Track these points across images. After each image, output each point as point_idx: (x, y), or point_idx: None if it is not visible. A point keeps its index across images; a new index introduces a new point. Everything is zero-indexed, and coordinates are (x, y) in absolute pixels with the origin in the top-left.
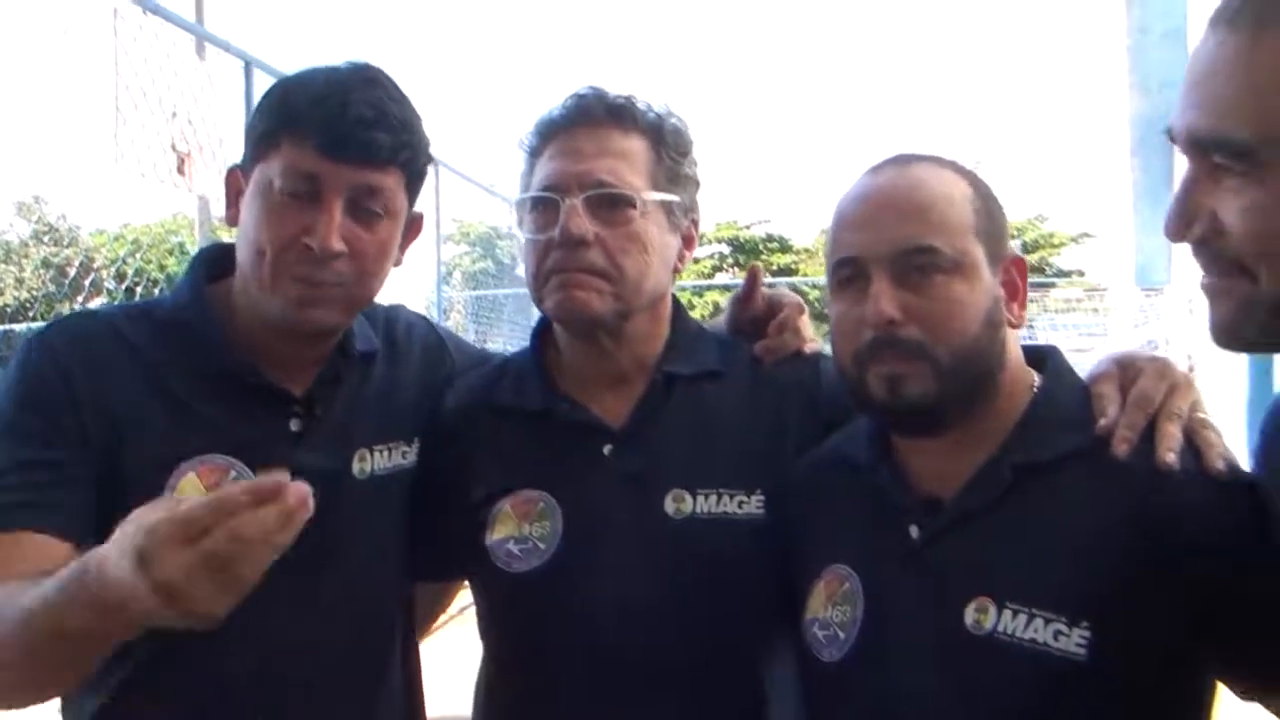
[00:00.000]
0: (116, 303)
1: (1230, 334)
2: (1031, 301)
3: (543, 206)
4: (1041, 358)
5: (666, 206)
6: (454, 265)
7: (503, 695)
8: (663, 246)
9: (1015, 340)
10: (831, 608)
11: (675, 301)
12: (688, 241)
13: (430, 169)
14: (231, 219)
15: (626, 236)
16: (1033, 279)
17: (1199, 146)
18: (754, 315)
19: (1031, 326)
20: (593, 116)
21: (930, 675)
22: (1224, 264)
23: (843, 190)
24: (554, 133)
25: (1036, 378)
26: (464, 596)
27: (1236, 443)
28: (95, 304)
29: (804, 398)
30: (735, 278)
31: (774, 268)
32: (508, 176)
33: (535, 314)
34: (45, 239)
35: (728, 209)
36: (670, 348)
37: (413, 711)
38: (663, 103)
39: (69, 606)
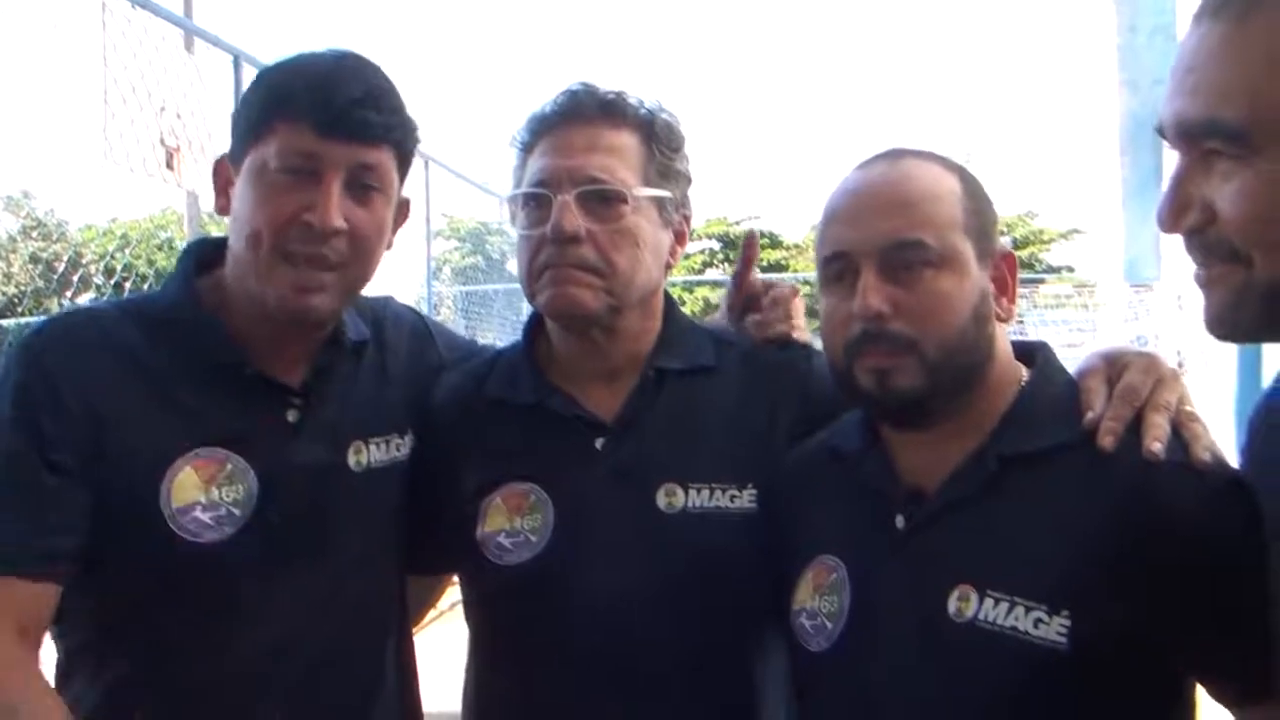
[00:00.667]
0: (106, 298)
1: (1226, 324)
2: (1021, 297)
3: (534, 202)
4: (1031, 353)
5: (658, 202)
6: (444, 260)
7: (492, 688)
8: (655, 242)
9: (1005, 335)
10: (819, 598)
11: (667, 296)
12: (679, 237)
13: (420, 165)
14: (221, 209)
15: (618, 232)
16: (1022, 275)
17: (1189, 135)
18: (752, 293)
19: (1021, 322)
20: (584, 112)
21: (914, 663)
22: (1217, 252)
23: (833, 186)
24: (545, 129)
25: (1025, 372)
26: (455, 593)
27: (1224, 439)
28: (84, 299)
29: (796, 392)
30: (725, 274)
31: (764, 264)
32: (497, 172)
33: (525, 309)
34: (33, 234)
35: (718, 205)
36: (662, 342)
37: (408, 704)
38: (654, 98)
39: None
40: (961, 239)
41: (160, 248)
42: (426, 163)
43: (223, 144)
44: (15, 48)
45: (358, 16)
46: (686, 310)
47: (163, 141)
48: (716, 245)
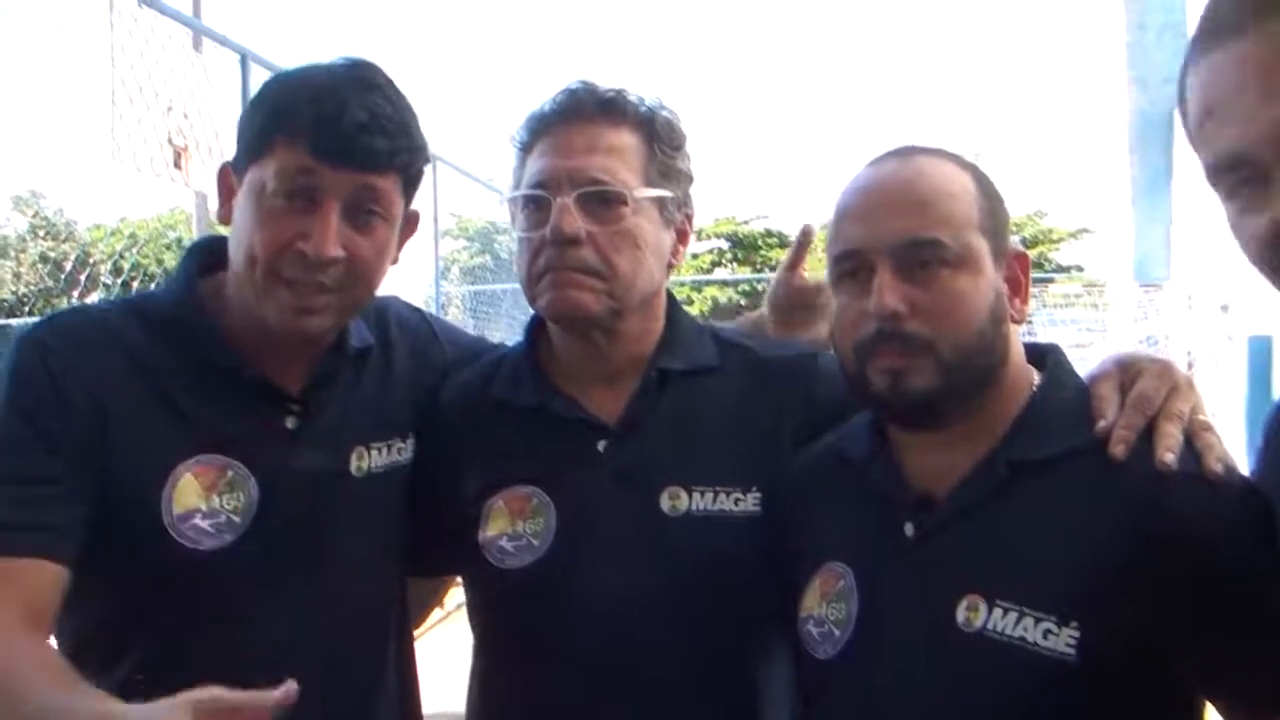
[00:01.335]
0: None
1: None
2: (1030, 297)
3: (534, 204)
4: (1042, 355)
5: (659, 202)
6: (452, 260)
7: (496, 691)
8: (656, 243)
9: (1018, 337)
10: (826, 605)
11: (670, 297)
12: (682, 236)
13: (428, 164)
14: (223, 217)
15: (618, 234)
16: (1031, 274)
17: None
18: (801, 287)
19: (1030, 322)
20: (583, 111)
21: (922, 672)
22: None
23: (843, 185)
24: (545, 128)
25: (1036, 375)
26: (459, 594)
27: (1234, 439)
28: (92, 299)
29: (802, 394)
30: (734, 273)
31: (772, 263)
32: (506, 171)
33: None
34: (42, 234)
35: (726, 204)
36: (665, 343)
37: (408, 707)
38: (654, 96)
39: None
40: (977, 238)
41: (168, 247)
42: (434, 163)
43: (230, 144)
44: (23, 48)
45: (366, 14)
46: (694, 310)
47: (170, 141)
48: (725, 245)
